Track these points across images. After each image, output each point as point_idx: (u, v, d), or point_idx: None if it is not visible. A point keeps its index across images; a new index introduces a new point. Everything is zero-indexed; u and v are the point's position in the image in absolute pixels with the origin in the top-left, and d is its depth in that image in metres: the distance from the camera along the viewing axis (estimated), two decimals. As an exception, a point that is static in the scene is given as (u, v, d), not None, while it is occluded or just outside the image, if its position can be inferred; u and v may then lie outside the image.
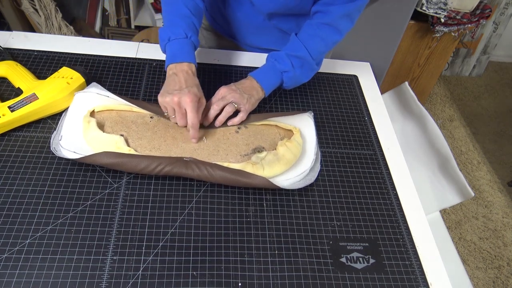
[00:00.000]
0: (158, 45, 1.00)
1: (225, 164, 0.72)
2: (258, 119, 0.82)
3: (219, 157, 0.75)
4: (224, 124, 0.81)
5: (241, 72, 0.97)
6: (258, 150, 0.77)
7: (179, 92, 0.73)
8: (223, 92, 0.79)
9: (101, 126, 0.76)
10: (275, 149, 0.77)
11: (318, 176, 0.79)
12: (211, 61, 0.98)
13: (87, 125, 0.74)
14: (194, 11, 0.81)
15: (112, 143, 0.72)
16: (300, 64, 0.84)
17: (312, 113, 0.86)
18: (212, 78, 0.94)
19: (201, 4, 0.84)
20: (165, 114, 0.77)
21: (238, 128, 0.81)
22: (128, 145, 0.73)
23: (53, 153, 0.74)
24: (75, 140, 0.73)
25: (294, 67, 0.83)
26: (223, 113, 0.79)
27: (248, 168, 0.72)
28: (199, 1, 0.83)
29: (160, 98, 0.75)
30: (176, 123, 0.77)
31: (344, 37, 0.88)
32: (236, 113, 0.81)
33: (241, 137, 0.79)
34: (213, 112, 0.79)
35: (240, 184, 0.72)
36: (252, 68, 0.84)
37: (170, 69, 0.77)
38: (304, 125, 0.83)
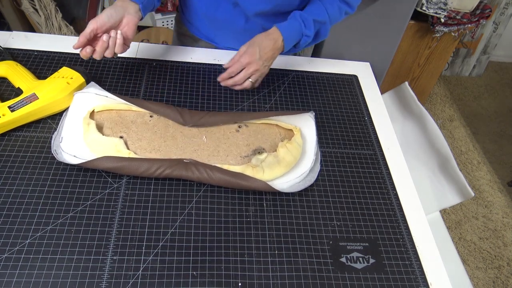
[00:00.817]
0: (158, 45, 1.00)
1: (225, 167, 0.73)
2: (259, 117, 0.82)
3: (219, 158, 0.75)
4: (224, 121, 0.81)
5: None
6: (259, 151, 0.77)
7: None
8: (245, 58, 0.83)
9: (100, 127, 0.76)
10: (275, 150, 0.77)
11: (318, 176, 0.79)
12: (210, 61, 0.98)
13: (87, 127, 0.74)
14: None
15: (112, 146, 0.72)
16: (320, 31, 0.89)
17: (313, 113, 0.86)
18: (211, 77, 0.94)
19: None
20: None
21: (239, 126, 0.81)
22: (128, 148, 0.73)
23: (53, 153, 0.74)
24: (76, 143, 0.73)
25: (315, 36, 0.88)
26: (240, 87, 0.86)
27: (248, 171, 0.72)
28: None
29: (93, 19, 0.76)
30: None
31: (344, 37, 0.88)
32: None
33: (241, 136, 0.79)
34: (231, 81, 0.85)
35: (240, 187, 0.72)
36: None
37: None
38: (304, 125, 0.83)
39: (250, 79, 0.85)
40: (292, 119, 0.83)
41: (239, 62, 0.84)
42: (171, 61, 0.96)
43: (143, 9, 0.79)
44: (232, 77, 0.86)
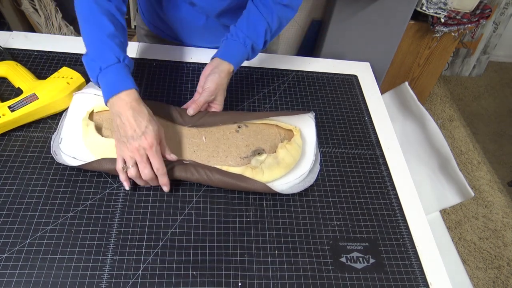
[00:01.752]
0: (158, 45, 1.00)
1: (225, 168, 0.72)
2: (259, 118, 0.82)
3: (219, 159, 0.75)
4: (224, 121, 0.80)
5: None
6: (258, 152, 0.77)
7: (134, 141, 0.64)
8: (220, 110, 0.81)
9: (99, 128, 0.76)
10: (275, 151, 0.77)
11: (318, 176, 0.79)
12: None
13: (86, 128, 0.74)
14: (118, 27, 0.70)
15: (111, 148, 0.71)
16: (261, 46, 0.83)
17: (314, 114, 0.86)
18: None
19: (122, 19, 0.73)
20: (123, 167, 0.67)
21: (239, 127, 0.81)
22: None
23: (52, 154, 0.74)
24: (75, 144, 0.73)
25: (254, 57, 0.85)
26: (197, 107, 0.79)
27: (247, 172, 0.72)
28: (119, 16, 0.72)
29: (117, 151, 0.67)
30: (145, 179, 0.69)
31: (344, 37, 0.88)
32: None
33: (241, 137, 0.79)
34: (196, 105, 0.78)
35: (239, 189, 0.72)
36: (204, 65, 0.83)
37: (112, 106, 0.66)
38: (304, 125, 0.83)
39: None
40: (292, 120, 0.83)
41: (206, 94, 0.78)
42: (171, 61, 0.96)
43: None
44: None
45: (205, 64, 0.96)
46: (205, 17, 0.91)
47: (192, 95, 0.82)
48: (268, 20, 0.81)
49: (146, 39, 1.07)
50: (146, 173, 0.66)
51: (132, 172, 0.66)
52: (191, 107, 0.78)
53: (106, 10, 0.69)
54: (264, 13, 0.81)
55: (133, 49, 0.97)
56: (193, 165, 0.72)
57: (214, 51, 0.82)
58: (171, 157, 0.69)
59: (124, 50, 0.70)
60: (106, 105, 0.68)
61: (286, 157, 0.75)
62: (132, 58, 0.93)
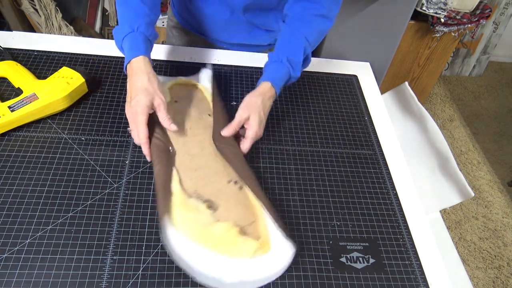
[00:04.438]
0: (158, 45, 1.00)
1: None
2: (258, 194, 0.68)
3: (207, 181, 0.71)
4: (235, 167, 0.72)
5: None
6: (210, 205, 0.67)
7: (130, 107, 0.70)
8: (256, 132, 0.74)
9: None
10: (239, 228, 0.64)
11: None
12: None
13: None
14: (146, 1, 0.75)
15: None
16: (303, 66, 0.82)
17: (294, 251, 0.64)
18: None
19: None
20: (128, 129, 0.73)
21: (235, 182, 0.71)
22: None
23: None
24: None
25: (301, 67, 0.81)
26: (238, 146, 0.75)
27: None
28: None
29: (125, 109, 0.73)
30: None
31: (344, 37, 0.88)
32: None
33: (232, 189, 0.70)
34: (228, 134, 0.75)
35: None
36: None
37: (128, 73, 0.73)
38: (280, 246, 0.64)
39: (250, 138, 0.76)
40: (273, 228, 0.65)
41: (251, 132, 0.74)
42: (171, 61, 0.96)
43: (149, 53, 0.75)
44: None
45: (205, 64, 0.97)
46: (230, 11, 0.92)
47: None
48: (304, 33, 0.79)
49: (174, 31, 1.09)
50: (133, 136, 0.71)
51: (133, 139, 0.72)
52: (225, 128, 0.75)
53: None
54: (299, 28, 0.80)
55: (160, 51, 0.97)
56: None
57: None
58: (170, 127, 0.72)
59: (143, 18, 0.73)
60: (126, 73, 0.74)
61: (234, 243, 0.62)
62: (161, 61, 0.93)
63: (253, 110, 0.74)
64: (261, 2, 0.89)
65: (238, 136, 0.77)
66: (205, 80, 0.89)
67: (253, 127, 0.74)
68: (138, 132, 0.70)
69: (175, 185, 0.67)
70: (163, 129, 0.74)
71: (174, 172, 0.69)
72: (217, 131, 0.76)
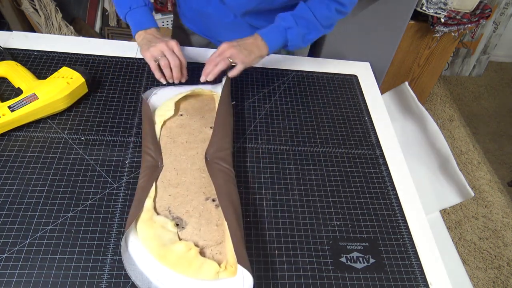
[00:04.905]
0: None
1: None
2: (227, 214, 0.65)
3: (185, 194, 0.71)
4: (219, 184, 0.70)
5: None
6: (180, 225, 0.66)
7: (162, 40, 0.82)
8: (222, 47, 0.82)
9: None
10: (201, 250, 0.63)
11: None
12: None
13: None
14: None
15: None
16: (305, 24, 0.85)
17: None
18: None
19: None
20: (156, 59, 0.81)
21: (213, 200, 0.71)
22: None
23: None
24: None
25: (298, 25, 0.84)
26: (218, 66, 0.81)
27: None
28: None
29: (147, 52, 0.81)
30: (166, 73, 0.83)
31: (344, 37, 0.88)
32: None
33: (208, 206, 0.69)
34: (209, 67, 0.81)
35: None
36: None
37: (140, 36, 0.85)
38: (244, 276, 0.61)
39: (229, 59, 0.82)
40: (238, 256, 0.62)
41: (217, 51, 0.83)
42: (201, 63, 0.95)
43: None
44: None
45: (205, 64, 0.96)
46: (234, 15, 0.94)
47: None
48: (311, 7, 0.85)
49: (178, 31, 1.11)
50: (172, 58, 0.81)
51: (163, 61, 0.81)
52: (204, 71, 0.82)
53: None
54: (307, 4, 0.86)
55: (133, 49, 0.97)
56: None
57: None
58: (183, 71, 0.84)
59: None
60: (134, 36, 0.86)
61: (192, 265, 0.61)
62: (132, 58, 0.94)
63: (230, 44, 0.82)
64: (261, 7, 0.90)
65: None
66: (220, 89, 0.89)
67: (223, 44, 0.82)
68: (180, 55, 0.82)
69: (148, 201, 0.67)
70: (155, 144, 0.75)
71: (153, 188, 0.69)
72: (212, 145, 0.75)
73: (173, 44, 0.82)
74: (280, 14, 0.87)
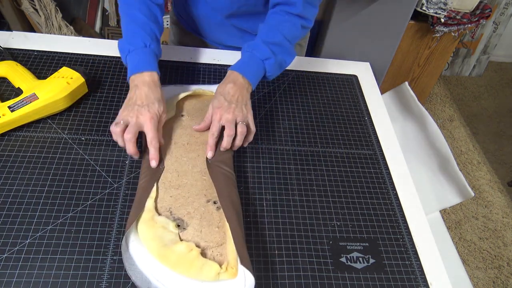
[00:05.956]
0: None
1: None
2: (229, 216, 0.65)
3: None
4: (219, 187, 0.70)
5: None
6: (179, 224, 0.66)
7: (139, 108, 0.70)
8: (219, 115, 0.73)
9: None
10: (202, 250, 0.63)
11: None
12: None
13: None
14: (151, 17, 0.78)
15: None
16: (279, 50, 0.79)
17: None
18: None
19: (157, 9, 0.80)
20: (119, 123, 0.70)
21: (214, 202, 0.70)
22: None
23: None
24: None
25: (275, 53, 0.78)
26: (239, 137, 0.73)
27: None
28: (153, 7, 0.79)
29: (120, 112, 0.71)
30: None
31: (344, 37, 0.88)
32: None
33: (209, 208, 0.69)
34: (213, 140, 0.74)
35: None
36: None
37: (132, 81, 0.74)
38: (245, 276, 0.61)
39: (239, 122, 0.74)
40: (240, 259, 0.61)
41: (214, 121, 0.74)
42: (171, 61, 0.96)
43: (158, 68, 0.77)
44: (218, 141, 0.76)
45: (204, 64, 0.97)
46: (220, 16, 0.93)
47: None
48: (279, 27, 0.80)
49: (174, 28, 1.11)
50: (128, 137, 0.68)
51: (114, 127, 0.69)
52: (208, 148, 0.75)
53: (143, 2, 0.78)
54: (274, 23, 0.81)
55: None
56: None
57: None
58: (160, 141, 0.73)
59: (153, 38, 0.77)
60: (128, 80, 0.75)
61: (193, 266, 0.61)
62: (161, 61, 0.92)
63: (214, 98, 0.75)
64: (243, 9, 0.90)
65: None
66: None
67: (215, 111, 0.74)
68: (152, 135, 0.70)
69: (149, 202, 0.67)
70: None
71: (154, 189, 0.69)
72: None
73: (145, 120, 0.69)
74: (250, 43, 0.79)
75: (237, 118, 0.73)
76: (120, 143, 0.71)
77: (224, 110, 0.73)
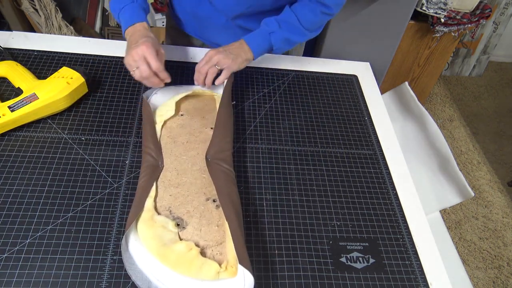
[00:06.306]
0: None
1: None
2: (228, 214, 0.65)
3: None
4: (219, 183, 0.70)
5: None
6: (178, 223, 0.66)
7: (135, 47, 0.77)
8: (208, 54, 0.83)
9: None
10: (201, 249, 0.63)
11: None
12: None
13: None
14: None
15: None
16: (288, 27, 0.86)
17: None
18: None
19: None
20: (133, 71, 0.77)
21: (213, 200, 0.71)
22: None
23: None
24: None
25: (282, 29, 0.85)
26: (208, 76, 0.83)
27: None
28: None
29: (124, 60, 0.78)
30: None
31: (344, 37, 0.88)
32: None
33: (208, 207, 0.70)
34: (200, 76, 0.83)
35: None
36: None
37: (127, 34, 0.82)
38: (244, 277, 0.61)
39: (216, 66, 0.83)
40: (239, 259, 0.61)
41: (204, 58, 0.84)
42: (171, 61, 0.96)
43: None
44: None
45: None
46: (225, 18, 0.94)
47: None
48: (294, 10, 0.86)
49: (172, 32, 1.12)
50: (143, 69, 0.76)
51: (136, 74, 0.77)
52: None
53: None
54: (291, 7, 0.87)
55: None
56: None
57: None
58: (166, 79, 0.79)
59: None
60: (124, 35, 0.82)
61: (192, 265, 0.61)
62: None
63: (216, 50, 0.83)
64: (250, 10, 0.90)
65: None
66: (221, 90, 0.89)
67: (211, 51, 0.83)
68: (151, 62, 0.75)
69: (149, 201, 0.67)
70: (156, 144, 0.75)
71: (153, 188, 0.69)
72: (213, 146, 0.75)
73: (144, 49, 0.75)
74: (265, 19, 0.88)
75: (218, 60, 0.82)
76: (147, 83, 0.79)
77: (214, 52, 0.83)
